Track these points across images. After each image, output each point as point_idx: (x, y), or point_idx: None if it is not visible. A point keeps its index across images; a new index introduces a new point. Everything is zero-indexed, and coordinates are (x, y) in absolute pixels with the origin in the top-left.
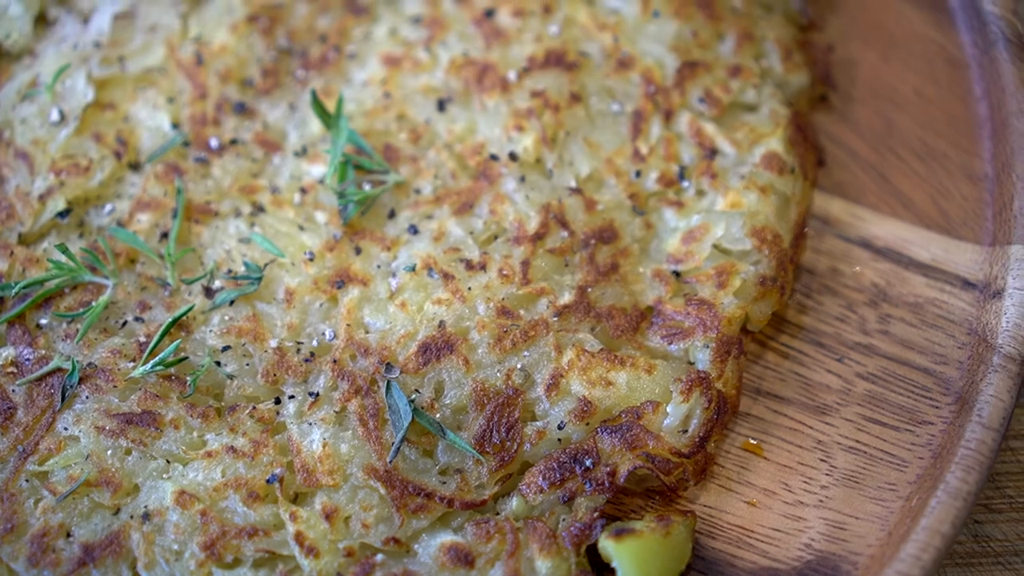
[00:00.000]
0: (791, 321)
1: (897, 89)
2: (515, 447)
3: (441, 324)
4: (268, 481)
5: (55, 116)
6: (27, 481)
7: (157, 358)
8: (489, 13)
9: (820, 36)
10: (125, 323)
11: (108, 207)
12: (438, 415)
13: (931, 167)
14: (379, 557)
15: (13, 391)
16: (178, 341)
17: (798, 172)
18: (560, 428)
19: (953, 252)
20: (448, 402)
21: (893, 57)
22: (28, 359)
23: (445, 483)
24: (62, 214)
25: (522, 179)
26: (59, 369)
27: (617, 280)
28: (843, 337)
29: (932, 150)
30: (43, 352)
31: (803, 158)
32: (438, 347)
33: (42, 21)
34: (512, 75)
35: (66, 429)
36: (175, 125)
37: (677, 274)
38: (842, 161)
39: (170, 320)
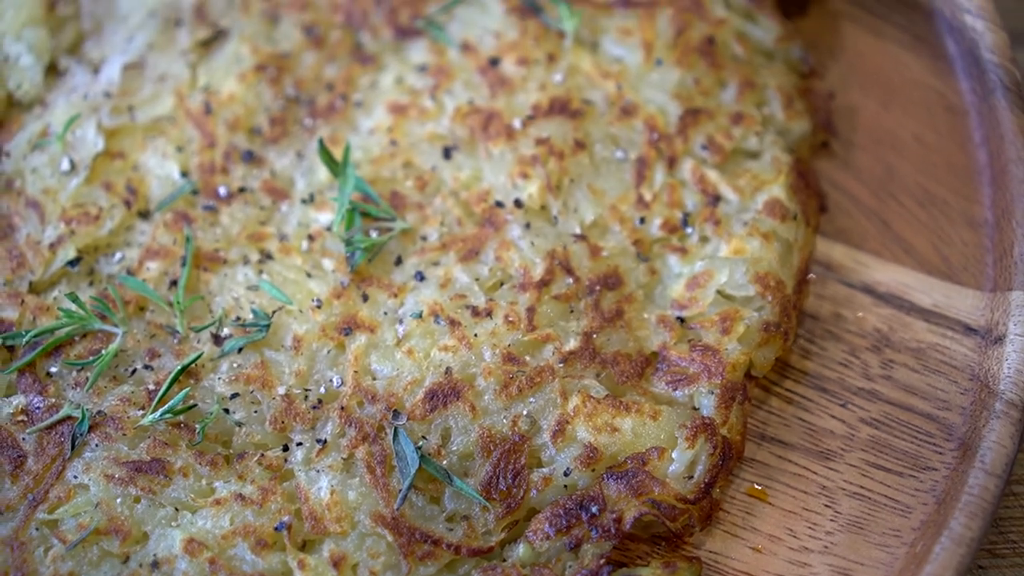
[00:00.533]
0: (795, 366)
1: (897, 136)
2: (521, 494)
3: (448, 371)
4: (276, 528)
5: (65, 165)
6: (37, 530)
7: (166, 406)
8: (494, 62)
9: (821, 84)
10: (134, 371)
11: (118, 255)
12: (445, 462)
13: (932, 213)
14: None
15: (23, 439)
16: (187, 389)
17: (800, 219)
18: (566, 475)
19: (954, 298)
20: (455, 448)
21: (893, 104)
22: (38, 407)
23: (452, 530)
24: (72, 263)
25: (527, 226)
26: (69, 417)
27: (622, 326)
28: (846, 382)
29: (932, 196)
30: (53, 400)
31: (805, 204)
32: (445, 394)
33: (53, 71)
34: (517, 123)
35: (76, 477)
36: (184, 174)
37: (681, 320)
38: (844, 207)
39: (179, 368)
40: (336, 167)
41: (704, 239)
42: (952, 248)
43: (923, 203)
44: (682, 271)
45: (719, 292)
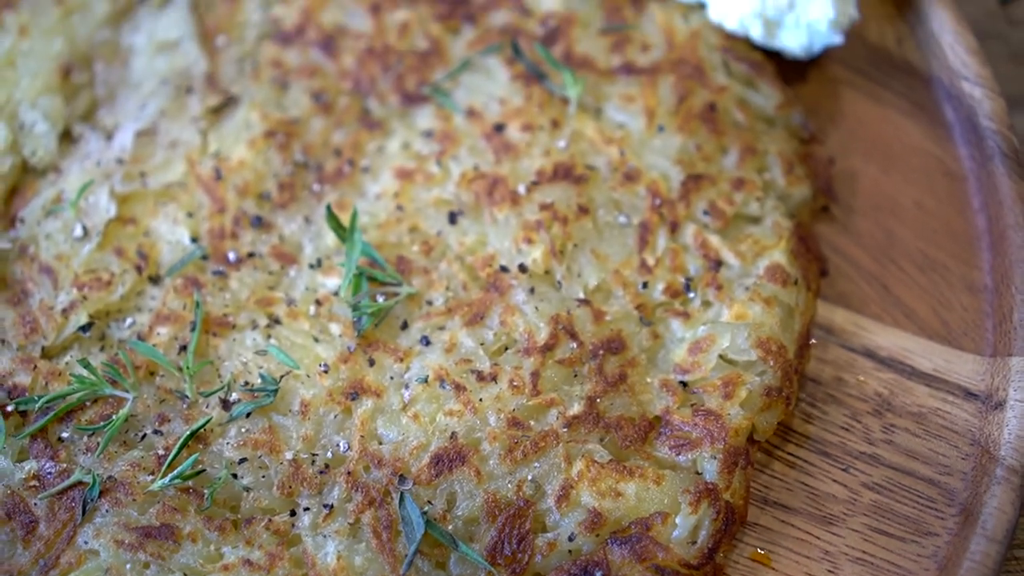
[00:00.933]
0: (797, 431)
1: (897, 201)
2: (526, 559)
3: (453, 435)
4: None
5: (79, 231)
6: None
7: (175, 471)
8: (499, 128)
9: (821, 149)
10: (144, 436)
11: (129, 320)
12: (450, 526)
13: (932, 278)
14: None
15: (35, 505)
16: (196, 454)
17: (801, 283)
18: (571, 539)
19: (955, 362)
20: (460, 513)
21: (893, 170)
22: (50, 472)
23: None
24: (84, 328)
25: (531, 291)
26: (80, 483)
27: (625, 390)
28: (848, 447)
29: (932, 261)
30: (64, 465)
31: (806, 269)
32: (450, 458)
33: (67, 138)
34: (521, 188)
35: (86, 543)
36: (194, 239)
37: (684, 384)
38: (845, 272)
39: (188, 433)
40: (343, 232)
41: (706, 304)
42: (952, 313)
43: (923, 268)
44: (684, 336)
45: (721, 357)
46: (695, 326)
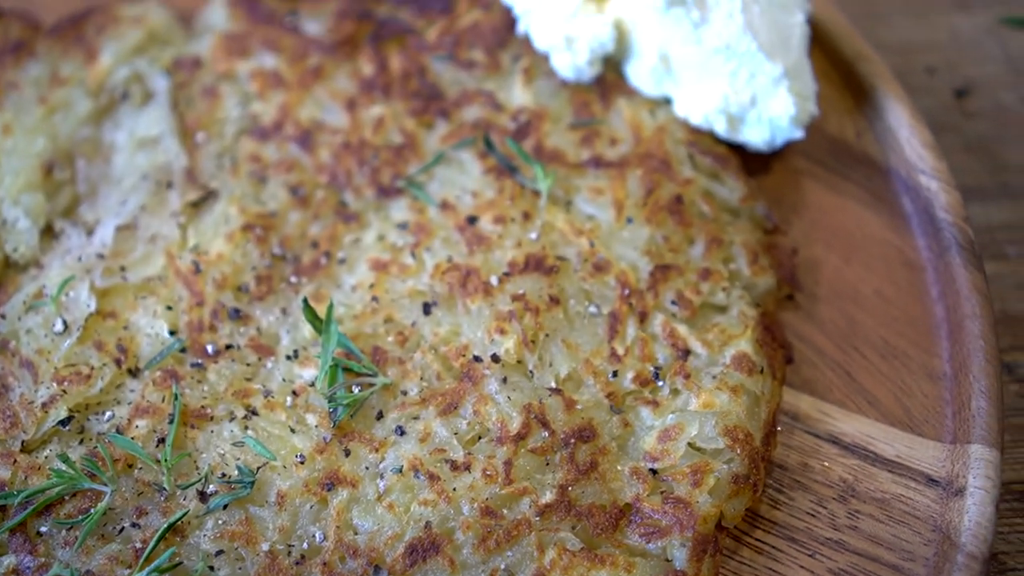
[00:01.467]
0: (764, 516)
1: (859, 289)
2: None
3: (427, 525)
4: None
5: (59, 326)
6: None
7: (152, 564)
8: (472, 220)
9: (785, 239)
10: (122, 529)
11: (108, 414)
12: None
13: (893, 365)
14: None
15: None
16: (173, 548)
17: (767, 372)
18: None
19: (916, 449)
20: None
21: (854, 259)
22: (28, 567)
23: None
24: (64, 422)
25: (504, 380)
26: None
27: (596, 478)
28: (814, 532)
29: (894, 348)
30: (43, 560)
31: (772, 357)
32: (424, 548)
33: (48, 234)
34: (494, 279)
35: None
36: (173, 332)
37: (654, 472)
38: (809, 359)
39: (165, 526)
40: (319, 324)
41: (675, 392)
42: (913, 400)
43: (885, 355)
44: (654, 424)
45: (690, 445)
46: (664, 414)
